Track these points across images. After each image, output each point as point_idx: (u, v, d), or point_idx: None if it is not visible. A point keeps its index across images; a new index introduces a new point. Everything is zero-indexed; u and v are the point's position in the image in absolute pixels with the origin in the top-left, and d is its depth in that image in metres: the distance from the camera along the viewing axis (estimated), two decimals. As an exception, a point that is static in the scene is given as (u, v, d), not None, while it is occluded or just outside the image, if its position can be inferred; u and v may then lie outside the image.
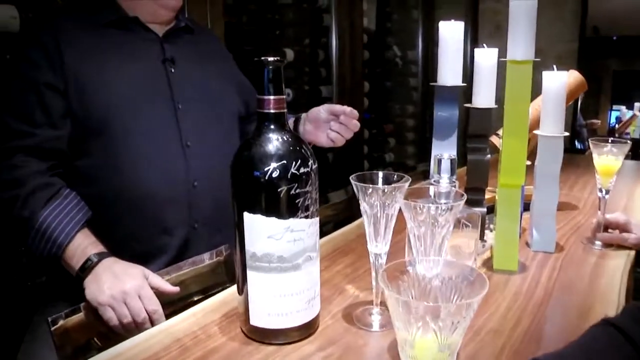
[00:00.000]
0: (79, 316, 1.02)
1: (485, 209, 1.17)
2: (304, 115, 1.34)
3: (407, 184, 0.80)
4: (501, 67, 1.06)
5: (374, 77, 3.53)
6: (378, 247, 0.83)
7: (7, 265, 1.43)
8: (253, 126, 1.40)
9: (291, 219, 0.75)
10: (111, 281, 1.01)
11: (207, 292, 1.14)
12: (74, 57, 1.11)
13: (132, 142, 1.14)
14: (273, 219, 0.75)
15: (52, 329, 0.97)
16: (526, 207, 1.24)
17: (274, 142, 0.76)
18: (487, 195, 1.24)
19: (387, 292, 0.48)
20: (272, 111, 0.77)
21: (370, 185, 0.80)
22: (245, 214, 0.76)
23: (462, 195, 0.77)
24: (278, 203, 0.74)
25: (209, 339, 0.84)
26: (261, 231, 0.75)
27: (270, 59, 0.75)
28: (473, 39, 3.71)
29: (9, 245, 1.40)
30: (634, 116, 3.69)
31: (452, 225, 0.71)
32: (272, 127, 0.77)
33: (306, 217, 0.77)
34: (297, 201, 0.75)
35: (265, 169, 0.74)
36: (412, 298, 0.50)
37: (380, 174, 0.83)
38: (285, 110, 0.78)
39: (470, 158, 1.16)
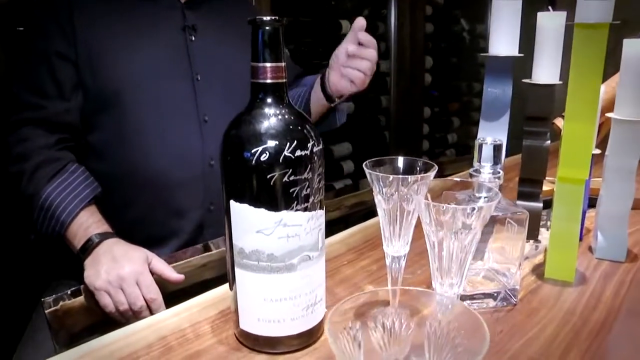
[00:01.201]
0: (78, 299, 0.95)
1: (540, 204, 1.00)
2: (330, 64, 1.18)
3: (432, 174, 0.65)
4: (569, 33, 0.87)
5: (439, 52, 3.31)
6: (395, 248, 0.69)
7: (16, 241, 1.41)
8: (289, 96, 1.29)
9: (284, 212, 0.62)
10: (109, 265, 0.93)
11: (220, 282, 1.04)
12: (86, 24, 1.04)
13: (144, 116, 1.05)
14: (262, 211, 0.62)
15: (47, 311, 0.90)
16: (592, 203, 1.05)
17: (268, 118, 0.63)
18: (547, 187, 1.06)
19: (332, 342, 0.34)
20: (268, 81, 0.64)
21: (388, 175, 0.65)
22: (232, 203, 0.64)
23: (498, 194, 0.61)
24: (268, 192, 0.62)
25: (197, 339, 0.73)
26: (249, 224, 0.63)
27: (267, 18, 0.62)
28: (549, 1, 3.40)
29: (18, 219, 1.37)
30: None
31: (480, 231, 0.56)
32: (267, 100, 0.64)
33: (304, 209, 0.64)
34: (292, 190, 0.62)
35: (254, 150, 0.61)
36: (383, 341, 0.36)
37: (401, 160, 0.68)
38: (285, 81, 0.65)
39: (526, 144, 0.98)
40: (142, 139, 1.05)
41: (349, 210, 1.89)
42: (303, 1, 2.61)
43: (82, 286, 0.95)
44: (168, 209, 1.08)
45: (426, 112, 3.32)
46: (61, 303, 0.93)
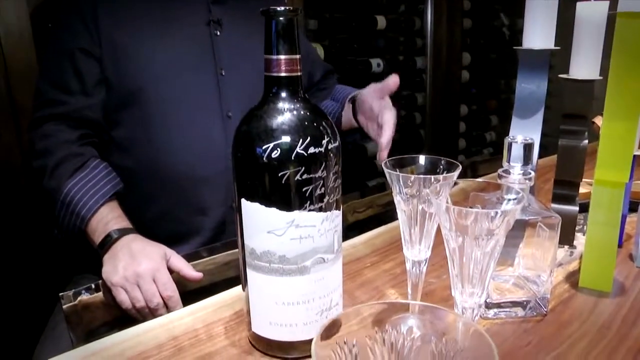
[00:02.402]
0: (96, 294, 0.94)
1: (576, 208, 0.94)
2: (358, 97, 1.14)
3: (456, 174, 0.61)
4: (610, 24, 0.81)
5: (477, 48, 3.23)
6: (414, 252, 0.65)
7: (38, 235, 1.43)
8: (318, 97, 1.27)
9: (297, 212, 0.59)
10: (126, 261, 0.92)
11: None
12: (112, 21, 1.03)
13: (168, 111, 1.04)
14: (274, 210, 0.59)
15: (65, 306, 0.90)
16: (633, 208, 0.99)
17: (282, 113, 0.60)
18: (584, 190, 1.01)
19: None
20: (282, 74, 0.61)
21: (408, 175, 0.62)
22: (243, 201, 0.61)
23: (523, 196, 0.56)
24: (280, 190, 0.59)
25: (209, 340, 0.71)
26: (260, 224, 0.60)
27: (280, 8, 0.59)
28: None
29: (41, 215, 1.39)
30: None
31: (504, 238, 0.52)
32: (282, 94, 0.61)
33: (319, 209, 0.61)
34: (305, 189, 0.59)
35: (265, 147, 0.58)
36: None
37: (423, 158, 0.65)
38: (300, 74, 0.62)
39: (562, 143, 0.93)
40: (166, 135, 1.04)
41: (382, 209, 1.86)
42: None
43: (100, 281, 0.95)
44: (191, 206, 1.06)
45: (463, 109, 3.24)
46: (79, 298, 0.92)
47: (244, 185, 0.61)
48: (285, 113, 0.60)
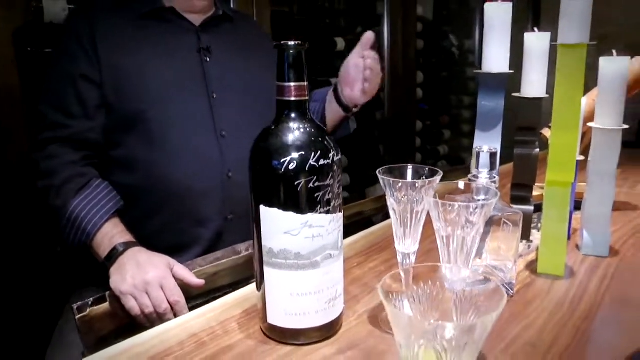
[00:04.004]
0: (104, 304, 1.02)
1: (532, 208, 1.09)
2: (340, 76, 1.29)
3: (438, 178, 0.74)
4: (553, 52, 0.97)
5: (429, 67, 3.42)
6: (406, 245, 0.77)
7: (42, 252, 1.47)
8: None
9: (310, 214, 0.71)
10: (134, 271, 1.00)
11: (241, 285, 1.11)
12: (110, 49, 1.11)
13: (165, 132, 1.13)
14: (290, 214, 0.70)
15: (77, 316, 0.97)
16: (578, 206, 1.15)
17: (293, 131, 0.71)
18: (537, 192, 1.15)
19: (386, 304, 0.42)
20: (292, 99, 0.72)
21: (398, 180, 0.74)
22: (262, 207, 0.72)
23: (497, 193, 0.70)
24: (295, 197, 0.70)
25: (227, 335, 0.81)
26: (278, 226, 0.71)
27: (291, 43, 0.71)
28: (535, 23, 3.53)
29: (45, 233, 1.43)
30: None
31: (483, 226, 0.65)
32: (292, 115, 0.73)
33: (327, 212, 0.72)
34: (316, 195, 0.70)
35: (282, 160, 0.69)
36: (420, 309, 0.44)
37: (410, 167, 0.77)
38: (307, 99, 0.73)
39: (517, 152, 1.07)
40: (164, 154, 1.12)
41: (346, 221, 1.97)
42: (300, 20, 2.71)
43: (107, 293, 1.02)
44: (189, 219, 1.15)
45: (418, 125, 3.42)
46: (89, 309, 0.99)
47: (263, 194, 0.72)
48: (297, 131, 0.71)
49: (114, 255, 1.03)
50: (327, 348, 0.76)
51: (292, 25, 2.63)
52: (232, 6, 1.95)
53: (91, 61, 1.10)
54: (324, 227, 0.72)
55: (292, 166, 0.69)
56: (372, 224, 1.34)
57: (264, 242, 0.74)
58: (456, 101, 3.76)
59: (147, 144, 1.12)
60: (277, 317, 0.76)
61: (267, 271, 0.74)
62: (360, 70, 1.18)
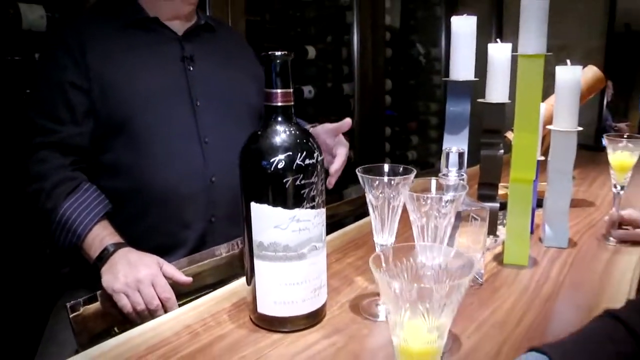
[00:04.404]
0: (96, 303, 1.06)
1: (497, 204, 1.17)
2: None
3: (412, 176, 0.81)
4: (514, 62, 1.05)
5: (397, 75, 3.53)
6: (384, 238, 0.84)
7: (32, 254, 1.50)
8: None
9: (297, 209, 0.77)
10: (126, 269, 1.04)
11: (223, 284, 1.17)
12: (97, 58, 1.15)
13: (151, 139, 1.17)
14: (279, 209, 0.77)
15: (71, 315, 1.01)
16: (540, 203, 1.24)
17: (281, 134, 0.78)
18: (502, 191, 1.24)
19: (377, 274, 0.49)
20: (279, 104, 0.79)
21: (377, 177, 0.81)
22: (253, 204, 0.78)
23: (465, 187, 0.78)
24: (284, 193, 0.76)
25: (218, 326, 0.86)
26: (268, 221, 0.77)
27: (278, 53, 0.77)
28: (498, 34, 3.67)
29: (34, 236, 1.46)
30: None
31: (454, 216, 0.72)
32: (279, 119, 0.79)
33: (312, 207, 0.79)
34: (302, 192, 0.77)
35: (272, 160, 0.76)
36: (402, 282, 0.51)
37: (387, 166, 0.84)
38: (292, 104, 0.80)
39: (483, 153, 1.15)
40: (150, 160, 1.17)
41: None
42: (272, 29, 2.78)
43: (99, 292, 1.06)
44: (175, 221, 1.20)
45: (387, 131, 3.52)
46: (82, 308, 1.03)
47: (253, 191, 0.78)
48: (284, 134, 0.78)
49: (105, 255, 1.07)
50: (314, 334, 0.82)
51: (265, 34, 2.69)
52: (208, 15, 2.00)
53: (80, 69, 1.14)
54: (309, 220, 0.79)
55: (280, 165, 0.75)
56: (345, 225, 1.41)
57: (254, 237, 0.80)
58: (423, 108, 3.87)
59: (133, 150, 1.16)
60: (267, 307, 0.82)
61: (258, 264, 0.80)
62: (329, 150, 1.22)
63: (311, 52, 2.87)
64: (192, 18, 1.30)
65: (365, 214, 1.44)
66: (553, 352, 0.63)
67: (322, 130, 1.24)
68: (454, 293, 0.46)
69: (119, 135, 1.16)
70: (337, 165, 1.18)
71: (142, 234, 1.17)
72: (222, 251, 1.24)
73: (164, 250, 1.16)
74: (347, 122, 1.21)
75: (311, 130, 1.27)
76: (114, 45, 1.18)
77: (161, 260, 1.09)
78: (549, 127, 1.15)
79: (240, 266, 1.23)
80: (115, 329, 1.07)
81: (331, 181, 1.19)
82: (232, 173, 1.20)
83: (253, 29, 2.41)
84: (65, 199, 1.11)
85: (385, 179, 0.81)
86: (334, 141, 1.22)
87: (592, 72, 1.46)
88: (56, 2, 1.71)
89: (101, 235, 1.10)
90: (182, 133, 1.20)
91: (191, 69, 1.24)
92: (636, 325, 0.66)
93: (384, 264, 0.53)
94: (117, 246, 1.09)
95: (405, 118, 3.75)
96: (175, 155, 1.19)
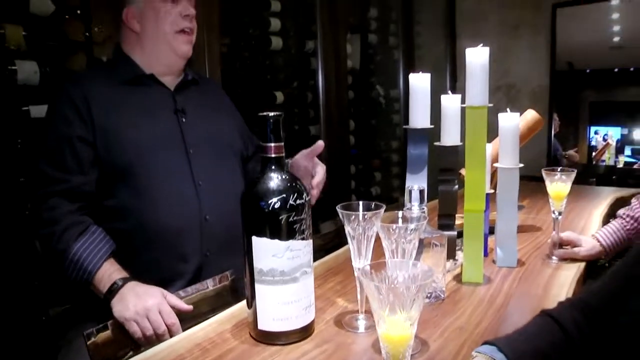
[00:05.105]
0: (107, 331, 1.18)
1: (455, 232, 1.36)
2: (289, 163, 1.49)
3: (382, 210, 0.99)
4: (463, 111, 1.26)
5: (360, 116, 3.76)
6: (361, 263, 1.01)
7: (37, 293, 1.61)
8: (252, 164, 1.61)
9: (290, 241, 0.94)
10: (135, 300, 1.18)
11: (214, 312, 1.31)
12: (101, 113, 1.30)
13: (151, 183, 1.32)
14: (276, 241, 0.93)
15: (88, 342, 1.14)
16: (492, 230, 1.43)
17: (275, 180, 0.95)
18: (458, 221, 1.43)
19: (366, 281, 0.66)
20: (273, 155, 0.96)
21: (353, 212, 0.98)
22: (254, 238, 0.94)
23: (426, 217, 0.96)
24: (279, 228, 0.93)
25: (224, 342, 1.01)
26: (266, 251, 0.94)
27: (271, 114, 0.95)
28: (452, 78, 3.97)
29: (40, 276, 1.57)
30: (607, 143, 3.93)
31: (418, 242, 0.90)
32: (273, 167, 0.96)
33: (302, 238, 0.95)
34: (294, 226, 0.94)
35: (269, 202, 0.92)
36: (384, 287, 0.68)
37: (361, 203, 1.02)
38: (284, 154, 0.97)
39: (440, 189, 1.35)
40: (150, 202, 1.31)
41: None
42: (244, 76, 2.97)
43: (109, 322, 1.19)
44: (173, 256, 1.33)
45: (352, 169, 3.72)
46: (96, 336, 1.16)
47: (254, 227, 0.94)
48: (278, 180, 0.95)
49: (115, 289, 1.20)
50: (307, 345, 0.98)
51: (238, 81, 2.88)
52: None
53: (86, 124, 1.29)
54: (300, 250, 0.95)
55: (276, 205, 0.92)
56: (323, 256, 1.57)
57: (255, 265, 0.95)
58: (385, 146, 4.10)
59: (135, 194, 1.31)
60: (267, 323, 0.97)
61: (258, 287, 0.96)
62: (309, 172, 1.40)
63: (279, 97, 3.07)
64: (182, 73, 1.48)
65: (337, 246, 1.62)
66: (501, 343, 0.80)
67: (300, 157, 1.43)
68: (419, 292, 0.63)
69: (121, 181, 1.31)
70: (318, 179, 1.37)
71: (144, 268, 1.30)
72: (214, 282, 1.38)
73: (165, 282, 1.30)
74: (320, 144, 1.41)
75: (291, 161, 1.45)
76: (115, 101, 1.34)
77: (164, 291, 1.23)
78: (495, 164, 1.35)
79: (231, 296, 1.39)
80: (131, 352, 1.19)
81: (313, 193, 1.37)
82: (223, 211, 1.38)
83: (227, 77, 2.59)
84: (75, 241, 1.24)
85: (361, 214, 0.98)
86: (311, 164, 1.40)
87: (531, 115, 1.69)
88: (48, 59, 1.85)
89: (109, 271, 1.24)
90: (179, 177, 1.35)
91: (184, 120, 1.41)
92: (564, 320, 0.85)
93: (369, 276, 0.70)
94: (125, 280, 1.22)
95: (368, 156, 3.96)
96: (173, 197, 1.34)
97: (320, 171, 1.38)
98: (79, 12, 2.01)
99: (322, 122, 3.32)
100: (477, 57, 1.16)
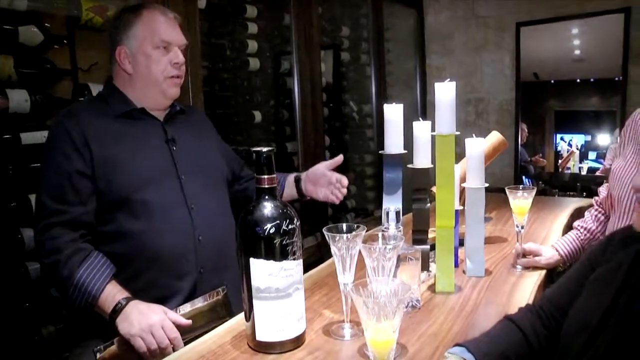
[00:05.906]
0: (113, 347, 1.28)
1: (428, 246, 1.49)
2: (304, 175, 1.75)
3: (364, 232, 1.12)
4: (433, 139, 1.40)
5: (334, 131, 3.90)
6: (346, 278, 1.14)
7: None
8: (236, 187, 1.73)
9: (284, 261, 1.06)
10: (139, 317, 1.28)
11: (210, 327, 1.41)
12: (99, 146, 1.40)
13: (147, 210, 1.42)
14: (271, 262, 1.05)
15: (98, 357, 1.24)
16: (462, 243, 1.57)
17: (269, 208, 1.07)
18: (431, 235, 1.57)
19: (355, 297, 0.79)
20: (266, 186, 1.08)
21: (337, 234, 1.11)
22: (251, 259, 1.06)
23: (402, 237, 1.09)
24: (274, 250, 1.05)
25: (226, 353, 1.12)
26: (263, 271, 1.06)
27: (264, 149, 1.07)
28: (422, 93, 4.14)
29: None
30: (571, 152, 4.13)
31: (396, 259, 1.03)
32: (267, 197, 1.08)
33: (294, 259, 1.08)
34: (287, 248, 1.06)
35: (264, 227, 1.04)
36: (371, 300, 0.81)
37: (345, 225, 1.14)
38: (276, 185, 1.10)
39: (414, 207, 1.48)
40: (146, 227, 1.41)
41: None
42: (224, 97, 3.09)
43: (115, 339, 1.29)
44: (170, 275, 1.44)
45: (328, 182, 3.85)
46: (104, 351, 1.26)
47: (251, 250, 1.06)
48: (272, 208, 1.07)
49: (119, 308, 1.30)
50: (300, 352, 1.10)
51: (218, 102, 2.99)
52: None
53: (84, 158, 1.38)
54: (293, 269, 1.08)
55: (271, 231, 1.04)
56: (305, 270, 1.69)
57: (253, 283, 1.07)
58: (359, 159, 4.25)
59: (132, 220, 1.41)
60: (264, 334, 1.09)
61: (256, 303, 1.08)
62: (327, 179, 1.70)
63: (257, 116, 3.19)
64: (169, 106, 1.59)
65: (319, 261, 1.75)
66: (470, 344, 0.94)
67: (321, 166, 1.71)
68: (400, 304, 0.76)
69: (119, 209, 1.41)
70: (345, 182, 1.75)
71: (142, 288, 1.40)
72: (208, 298, 1.49)
73: (163, 299, 1.41)
74: (340, 157, 1.71)
75: (311, 169, 1.72)
76: (111, 134, 1.44)
77: (165, 308, 1.34)
78: (463, 184, 1.49)
79: (225, 310, 1.49)
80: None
81: (343, 192, 1.78)
82: (215, 231, 1.50)
83: (209, 98, 2.71)
84: (79, 268, 1.34)
85: (345, 235, 1.11)
86: (330, 173, 1.69)
87: (496, 136, 1.85)
88: (37, 87, 1.93)
89: (112, 293, 1.34)
90: (173, 203, 1.46)
91: (174, 148, 1.52)
92: (523, 324, 0.99)
93: (358, 292, 0.83)
94: (128, 300, 1.32)
95: (343, 170, 4.09)
96: (168, 221, 1.45)
97: (344, 177, 1.69)
98: (65, 41, 2.10)
99: (299, 139, 3.45)
100: (444, 92, 1.31)
